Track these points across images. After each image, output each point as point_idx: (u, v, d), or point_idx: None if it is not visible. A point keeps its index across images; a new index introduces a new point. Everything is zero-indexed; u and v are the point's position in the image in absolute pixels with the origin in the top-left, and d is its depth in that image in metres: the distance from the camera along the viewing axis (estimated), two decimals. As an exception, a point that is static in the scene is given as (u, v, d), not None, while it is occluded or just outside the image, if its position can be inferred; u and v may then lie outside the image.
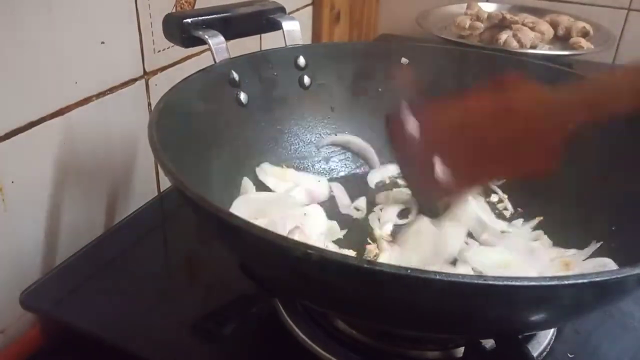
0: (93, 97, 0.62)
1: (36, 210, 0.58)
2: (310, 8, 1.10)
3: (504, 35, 1.07)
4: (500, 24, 1.11)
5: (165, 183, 0.75)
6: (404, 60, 0.66)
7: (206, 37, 0.55)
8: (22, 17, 0.52)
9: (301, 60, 0.63)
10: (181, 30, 0.55)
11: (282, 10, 0.62)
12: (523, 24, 1.10)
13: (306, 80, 0.64)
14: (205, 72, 0.55)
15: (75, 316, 0.50)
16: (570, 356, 0.47)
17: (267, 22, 0.61)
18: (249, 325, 0.50)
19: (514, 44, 1.05)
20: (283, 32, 0.61)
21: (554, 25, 1.16)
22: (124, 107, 0.66)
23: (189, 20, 0.55)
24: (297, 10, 1.05)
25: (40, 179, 0.57)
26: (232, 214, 0.35)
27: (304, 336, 0.47)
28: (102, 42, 0.61)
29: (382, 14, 1.40)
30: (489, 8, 1.23)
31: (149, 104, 0.70)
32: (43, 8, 0.54)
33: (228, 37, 0.56)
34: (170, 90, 0.50)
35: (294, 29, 0.61)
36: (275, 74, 0.62)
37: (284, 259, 0.34)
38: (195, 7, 0.74)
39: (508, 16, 1.10)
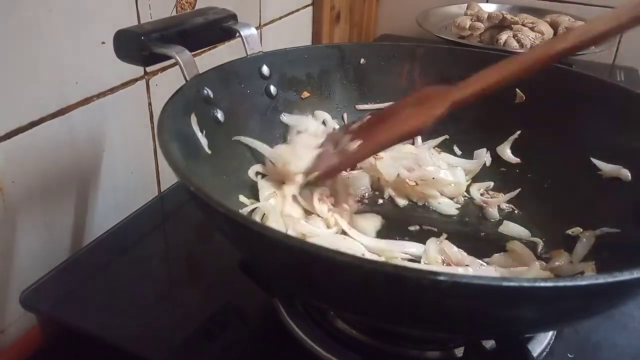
0: (94, 97, 0.62)
1: (36, 210, 0.58)
2: (310, 8, 1.10)
3: (504, 36, 1.07)
4: (500, 25, 1.11)
5: (166, 183, 0.76)
6: (362, 61, 0.67)
7: (173, 53, 0.50)
8: (22, 17, 0.52)
9: (265, 70, 0.61)
10: (141, 48, 0.50)
11: (234, 17, 0.59)
12: (523, 25, 1.10)
13: (272, 89, 0.62)
14: (183, 93, 0.51)
15: (75, 316, 0.50)
16: (570, 356, 0.47)
17: (221, 30, 0.58)
18: (249, 325, 0.50)
19: (514, 45, 1.05)
20: (242, 39, 0.58)
21: (554, 25, 1.16)
22: (125, 107, 0.66)
23: (148, 36, 0.50)
24: (297, 10, 1.05)
25: (40, 179, 0.57)
26: (244, 217, 0.35)
27: (304, 336, 0.47)
28: (103, 42, 0.61)
29: (382, 14, 1.40)
30: (489, 8, 1.23)
31: (150, 104, 0.70)
32: (43, 8, 0.54)
33: (189, 50, 0.52)
34: (163, 109, 0.48)
35: (252, 34, 0.59)
36: (243, 86, 0.59)
37: (294, 259, 0.34)
38: (196, 7, 0.74)
39: (508, 16, 1.10)
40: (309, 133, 0.62)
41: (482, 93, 0.53)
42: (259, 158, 0.60)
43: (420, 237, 0.55)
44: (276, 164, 0.58)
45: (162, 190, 0.75)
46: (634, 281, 0.31)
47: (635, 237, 0.49)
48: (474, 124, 0.65)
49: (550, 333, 0.48)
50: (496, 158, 0.64)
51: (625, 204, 0.52)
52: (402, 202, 0.61)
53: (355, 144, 0.57)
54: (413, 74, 0.68)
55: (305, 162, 0.58)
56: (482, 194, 0.62)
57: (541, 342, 0.47)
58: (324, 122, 0.66)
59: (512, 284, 0.30)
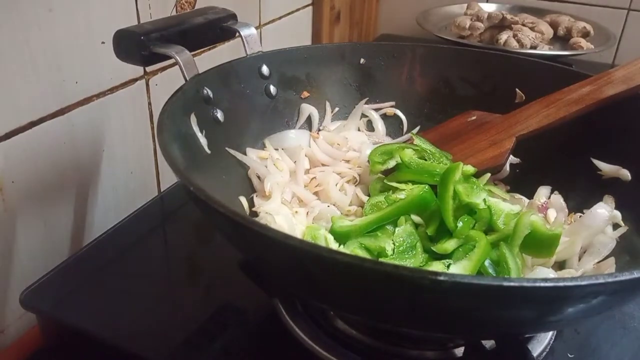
0: (93, 97, 0.62)
1: (36, 210, 0.58)
2: (310, 8, 1.10)
3: (504, 36, 1.07)
4: (500, 24, 1.11)
5: (165, 183, 0.76)
6: (362, 60, 0.67)
7: (173, 53, 0.50)
8: (22, 17, 0.52)
9: (264, 69, 0.61)
10: (141, 48, 0.50)
11: (234, 17, 0.59)
12: (523, 25, 1.10)
13: (272, 89, 0.62)
14: (183, 93, 0.51)
15: (75, 316, 0.50)
16: (570, 356, 0.47)
17: (221, 30, 0.58)
18: (249, 326, 0.50)
19: (514, 44, 1.05)
20: (242, 39, 0.58)
21: (555, 25, 1.16)
22: (125, 107, 0.66)
23: (148, 36, 0.50)
24: (297, 10, 1.05)
25: (40, 179, 0.57)
26: (246, 218, 0.35)
27: (304, 336, 0.47)
28: (103, 42, 0.61)
29: (382, 14, 1.40)
30: (489, 8, 1.23)
31: (149, 104, 0.70)
32: (43, 8, 0.54)
33: (189, 50, 0.52)
34: (163, 109, 0.47)
35: (252, 33, 0.58)
36: (243, 86, 0.59)
37: (294, 259, 0.35)
38: (196, 7, 0.74)
39: (508, 16, 1.10)
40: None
41: (544, 130, 0.56)
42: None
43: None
44: (260, 177, 0.57)
45: (162, 190, 0.75)
46: (634, 281, 0.31)
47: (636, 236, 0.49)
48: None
49: (550, 333, 0.48)
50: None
51: (625, 204, 0.52)
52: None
53: None
54: (413, 74, 0.68)
55: (285, 179, 0.57)
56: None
57: (541, 342, 0.47)
58: (309, 117, 0.65)
59: (512, 284, 0.30)
